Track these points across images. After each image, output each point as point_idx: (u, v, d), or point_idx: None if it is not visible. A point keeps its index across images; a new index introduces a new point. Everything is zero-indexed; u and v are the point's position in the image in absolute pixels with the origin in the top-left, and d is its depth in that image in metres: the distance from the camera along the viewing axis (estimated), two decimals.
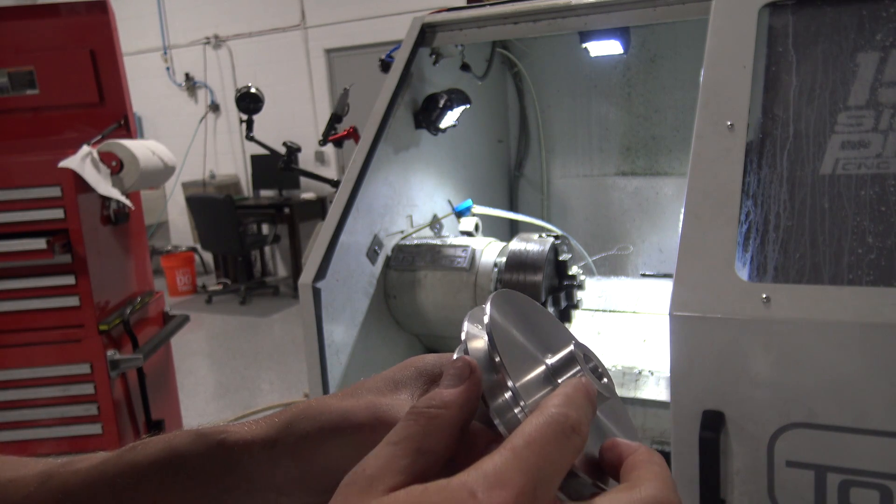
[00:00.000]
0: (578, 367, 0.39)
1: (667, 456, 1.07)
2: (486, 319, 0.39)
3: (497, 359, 0.37)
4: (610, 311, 1.96)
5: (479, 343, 0.39)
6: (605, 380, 0.40)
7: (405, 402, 0.43)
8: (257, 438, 0.43)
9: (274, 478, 0.43)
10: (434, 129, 1.85)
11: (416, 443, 0.34)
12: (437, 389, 0.36)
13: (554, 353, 0.41)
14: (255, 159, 7.17)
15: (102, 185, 2.27)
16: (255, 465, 0.43)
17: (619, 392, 1.59)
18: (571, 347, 0.40)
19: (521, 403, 0.36)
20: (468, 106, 1.89)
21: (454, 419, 0.35)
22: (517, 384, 0.37)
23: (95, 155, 2.30)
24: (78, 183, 2.21)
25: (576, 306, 1.73)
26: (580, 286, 1.71)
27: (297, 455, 0.42)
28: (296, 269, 6.87)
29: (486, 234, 1.94)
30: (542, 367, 0.40)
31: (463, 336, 0.40)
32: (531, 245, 1.65)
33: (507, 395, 0.37)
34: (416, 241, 1.78)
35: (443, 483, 0.30)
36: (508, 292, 0.44)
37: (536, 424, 0.33)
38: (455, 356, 0.41)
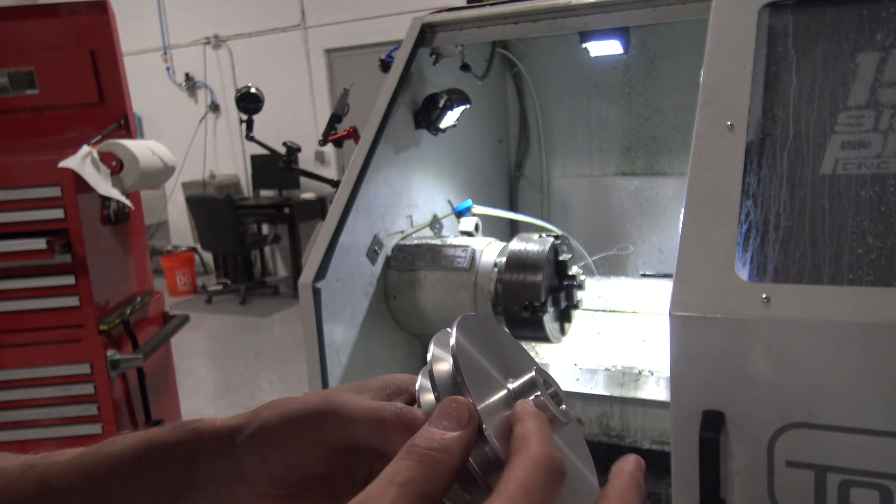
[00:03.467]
0: (538, 392, 0.40)
1: (667, 456, 1.07)
2: (451, 342, 0.40)
3: (460, 380, 0.39)
4: (610, 311, 1.97)
5: (444, 366, 0.40)
6: (564, 406, 0.41)
7: (363, 399, 0.44)
8: (226, 427, 0.45)
9: (239, 466, 0.45)
10: (434, 129, 1.85)
11: (421, 487, 0.34)
12: (434, 429, 0.36)
13: (516, 378, 0.42)
14: (255, 159, 7.17)
15: (102, 185, 2.26)
16: (221, 452, 0.45)
17: (619, 392, 1.59)
18: (532, 373, 0.41)
19: (484, 428, 0.37)
20: (468, 106, 1.89)
21: (455, 465, 0.35)
22: (479, 407, 0.38)
23: (95, 155, 2.29)
24: (78, 183, 2.21)
25: (576, 306, 1.73)
26: (580, 286, 1.71)
27: (259, 443, 0.44)
28: (296, 269, 6.87)
29: (486, 234, 1.94)
30: (504, 392, 0.41)
31: (428, 358, 0.42)
32: (531, 245, 1.65)
33: None
34: (416, 241, 1.78)
35: None
36: (476, 317, 0.45)
37: (528, 469, 0.34)
38: (419, 378, 0.43)
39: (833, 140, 1.08)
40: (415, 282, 1.71)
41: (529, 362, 0.46)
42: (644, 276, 2.11)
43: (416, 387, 0.44)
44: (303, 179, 6.77)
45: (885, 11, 1.12)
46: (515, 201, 2.48)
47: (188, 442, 0.45)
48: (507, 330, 0.48)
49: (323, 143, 2.07)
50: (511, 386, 0.41)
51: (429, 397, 0.41)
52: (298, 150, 2.22)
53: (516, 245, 1.66)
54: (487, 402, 0.39)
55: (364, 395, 0.45)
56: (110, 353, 2.32)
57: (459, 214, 1.92)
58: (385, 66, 1.85)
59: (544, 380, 0.42)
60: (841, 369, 0.93)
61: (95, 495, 0.46)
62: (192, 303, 6.90)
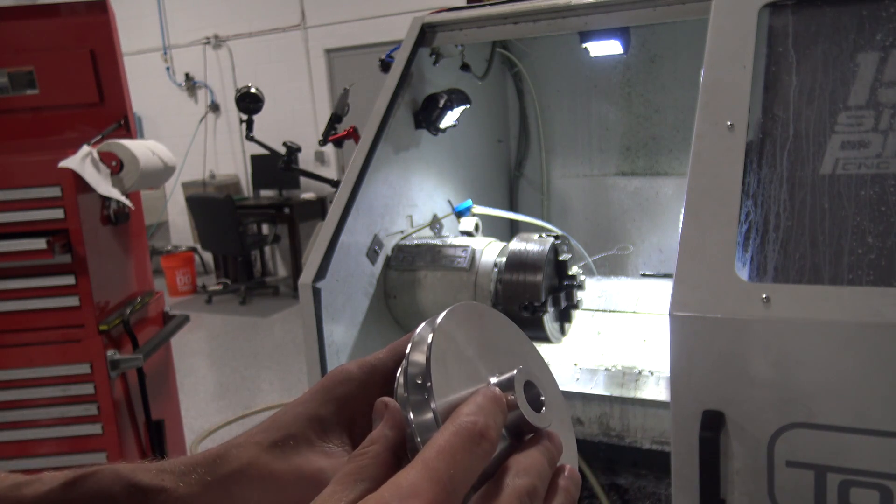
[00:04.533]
0: (513, 393, 0.40)
1: (667, 456, 1.07)
2: (430, 337, 0.40)
3: (428, 383, 0.38)
4: (610, 311, 1.97)
5: (419, 355, 0.40)
6: (544, 409, 0.41)
7: (339, 455, 0.45)
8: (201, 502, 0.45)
9: None
10: (434, 129, 1.85)
11: (355, 475, 0.36)
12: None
13: (501, 374, 0.41)
14: (255, 159, 7.17)
15: (102, 185, 2.26)
16: None
17: (619, 392, 1.59)
18: (513, 372, 0.41)
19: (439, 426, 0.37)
20: (468, 106, 1.89)
21: (383, 450, 0.38)
22: (441, 402, 0.38)
23: (95, 155, 2.29)
24: (78, 183, 2.21)
25: (576, 306, 1.73)
26: (580, 286, 1.71)
27: None
28: (296, 269, 6.87)
29: (486, 234, 1.94)
30: (482, 386, 0.40)
31: (409, 346, 0.41)
32: (531, 245, 1.65)
33: (430, 414, 0.38)
34: (416, 241, 1.78)
35: (363, 500, 0.33)
36: (478, 306, 0.45)
37: (446, 434, 0.35)
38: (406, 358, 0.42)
39: (833, 140, 1.08)
40: (415, 282, 1.71)
41: (525, 359, 0.45)
42: (644, 276, 2.11)
43: (399, 370, 0.43)
44: (303, 179, 6.77)
45: (885, 11, 1.12)
46: (515, 201, 2.48)
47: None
48: (515, 325, 0.47)
49: (323, 143, 2.07)
50: (492, 381, 0.41)
51: (401, 380, 0.41)
52: (298, 150, 2.22)
53: (516, 245, 1.66)
54: (455, 397, 0.39)
55: (333, 442, 0.45)
56: (110, 353, 2.32)
57: (459, 214, 1.92)
58: (385, 66, 1.85)
59: (527, 380, 0.41)
60: (841, 369, 0.93)
61: None
62: (192, 303, 6.90)
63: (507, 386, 0.40)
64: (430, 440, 0.35)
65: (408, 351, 0.41)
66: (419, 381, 0.39)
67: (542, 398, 0.42)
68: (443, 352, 0.40)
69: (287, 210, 6.77)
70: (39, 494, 0.46)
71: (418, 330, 0.42)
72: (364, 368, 0.47)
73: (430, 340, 0.40)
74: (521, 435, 0.40)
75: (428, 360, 0.39)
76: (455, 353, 0.41)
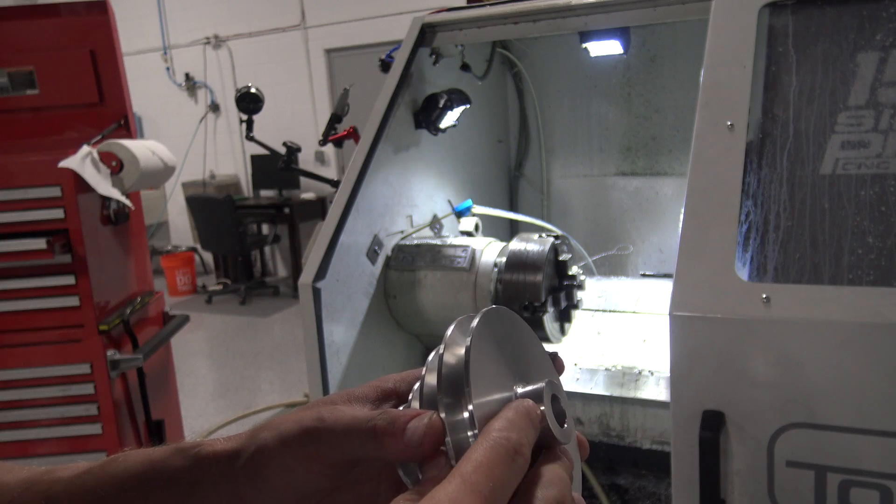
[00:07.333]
0: (542, 406, 0.40)
1: (667, 456, 1.07)
2: (468, 340, 0.40)
3: (467, 388, 0.38)
4: (610, 311, 1.97)
5: (455, 357, 0.40)
6: (566, 425, 0.41)
7: (354, 411, 0.44)
8: (225, 451, 0.45)
9: (239, 491, 0.44)
10: (434, 129, 1.85)
11: None
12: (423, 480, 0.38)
13: (526, 384, 0.41)
14: (255, 159, 7.17)
15: (102, 185, 2.26)
16: (222, 477, 0.44)
17: (619, 392, 1.59)
18: (542, 384, 0.41)
19: (475, 430, 0.37)
20: (468, 106, 1.89)
21: None
22: (475, 404, 0.38)
23: (95, 155, 2.29)
24: (78, 183, 2.21)
25: (576, 306, 1.73)
26: (580, 286, 1.71)
27: (258, 466, 0.44)
28: (296, 269, 6.87)
29: (486, 234, 1.94)
30: (508, 395, 0.41)
31: (442, 346, 0.41)
32: (531, 245, 1.65)
33: (465, 415, 0.38)
34: (416, 241, 1.78)
35: None
36: (506, 311, 0.44)
37: (482, 449, 0.35)
38: (431, 355, 0.42)
39: (833, 140, 1.08)
40: (415, 282, 1.71)
41: (547, 373, 0.45)
42: (644, 276, 2.11)
43: (424, 369, 0.43)
44: (303, 179, 6.77)
45: (885, 11, 1.12)
46: (515, 201, 2.48)
47: (190, 469, 0.45)
48: (530, 329, 0.47)
49: (323, 143, 2.07)
50: (518, 391, 0.41)
51: (431, 381, 0.41)
52: (298, 150, 2.22)
53: (516, 245, 1.66)
54: (487, 399, 0.39)
55: (356, 404, 0.45)
56: (110, 353, 2.32)
57: (459, 214, 1.92)
58: (385, 66, 1.85)
59: (553, 394, 0.41)
60: (841, 369, 0.93)
61: None
62: (192, 303, 6.90)
63: (534, 397, 0.40)
64: (465, 455, 0.35)
65: (442, 348, 0.41)
66: (457, 383, 0.39)
67: (566, 412, 0.42)
68: (479, 355, 0.40)
69: (287, 210, 6.77)
70: (77, 473, 0.47)
71: (449, 331, 0.42)
72: (405, 375, 0.47)
73: (468, 340, 0.39)
74: (539, 447, 0.40)
75: (467, 361, 0.39)
76: (488, 357, 0.41)
